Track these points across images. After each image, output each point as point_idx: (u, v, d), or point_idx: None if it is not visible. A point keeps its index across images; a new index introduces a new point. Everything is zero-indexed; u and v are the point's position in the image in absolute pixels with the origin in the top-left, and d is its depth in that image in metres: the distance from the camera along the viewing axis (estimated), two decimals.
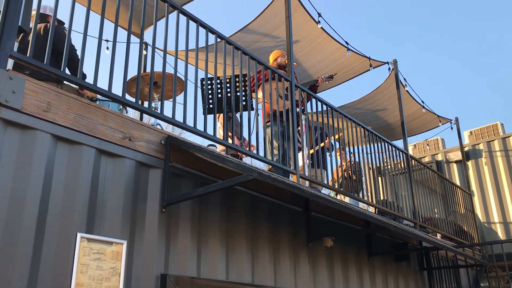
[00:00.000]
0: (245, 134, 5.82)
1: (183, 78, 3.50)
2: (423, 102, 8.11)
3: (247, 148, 4.15)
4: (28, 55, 2.33)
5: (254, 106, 4.05)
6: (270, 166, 4.70)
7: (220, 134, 5.10)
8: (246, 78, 4.17)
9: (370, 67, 7.02)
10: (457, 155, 9.42)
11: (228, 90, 3.97)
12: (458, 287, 6.68)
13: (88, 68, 4.29)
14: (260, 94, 4.81)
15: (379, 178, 7.00)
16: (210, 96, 4.32)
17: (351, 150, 4.99)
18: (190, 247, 2.96)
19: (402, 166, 6.04)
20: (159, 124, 4.38)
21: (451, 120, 8.87)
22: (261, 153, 3.79)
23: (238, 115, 5.44)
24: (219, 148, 5.01)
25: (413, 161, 6.32)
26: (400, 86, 6.91)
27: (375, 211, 5.94)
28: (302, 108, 4.97)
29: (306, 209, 4.20)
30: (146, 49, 6.36)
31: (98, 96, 3.93)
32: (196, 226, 3.06)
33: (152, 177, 2.85)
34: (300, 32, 6.25)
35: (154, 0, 3.10)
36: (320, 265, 4.21)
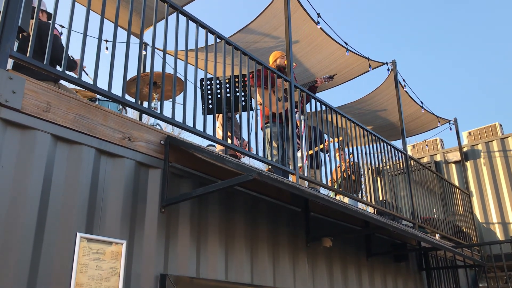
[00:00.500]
0: (244, 135, 5.82)
1: (182, 78, 3.50)
2: (422, 103, 8.12)
3: (246, 149, 4.15)
4: (28, 55, 2.33)
5: (253, 106, 4.05)
6: (269, 167, 4.71)
7: (219, 134, 5.10)
8: (246, 78, 4.18)
9: (369, 67, 7.03)
10: (455, 156, 9.43)
11: (228, 90, 3.98)
12: (456, 287, 6.69)
13: (87, 68, 4.30)
14: (259, 98, 4.81)
15: (378, 178, 7.02)
16: (209, 97, 4.32)
17: (350, 151, 5.00)
18: (190, 247, 2.96)
19: (401, 166, 6.05)
20: (159, 124, 4.39)
21: (450, 120, 8.88)
22: (260, 154, 3.80)
23: (237, 115, 5.45)
24: (218, 148, 5.01)
25: (412, 161, 6.33)
26: (399, 87, 6.93)
27: (374, 212, 5.95)
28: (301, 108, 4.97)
29: (305, 210, 4.21)
30: (145, 49, 6.36)
31: (98, 96, 3.93)
32: (196, 226, 3.06)
33: (151, 177, 2.85)
34: (300, 32, 6.26)
35: (154, 1, 3.11)
36: (319, 265, 4.22)
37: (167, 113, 3.02)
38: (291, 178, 4.53)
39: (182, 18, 3.30)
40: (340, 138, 4.77)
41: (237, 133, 5.36)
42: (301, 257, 4.01)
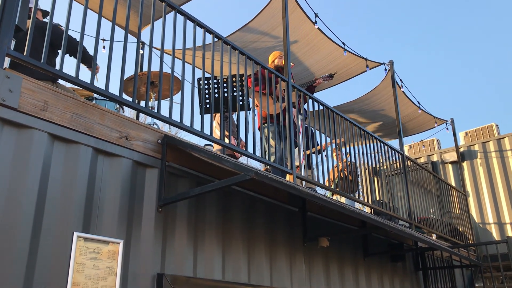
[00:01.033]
0: (242, 135, 5.82)
1: (180, 77, 3.50)
2: (419, 103, 8.14)
3: (243, 149, 4.15)
4: (25, 53, 2.33)
5: (251, 106, 4.05)
6: (267, 166, 4.71)
7: (216, 133, 5.10)
8: (243, 78, 4.18)
9: (366, 67, 7.05)
10: (452, 156, 9.46)
11: (225, 90, 3.98)
12: (453, 287, 6.71)
13: (85, 68, 4.29)
14: (256, 100, 4.81)
15: (375, 178, 7.03)
16: (207, 96, 4.32)
17: (347, 151, 5.01)
18: (187, 246, 2.96)
19: (398, 166, 6.07)
20: (156, 124, 4.38)
21: (447, 121, 8.91)
22: (258, 153, 3.80)
23: (234, 115, 5.45)
24: (215, 148, 5.01)
25: (408, 161, 6.34)
26: (396, 87, 6.94)
27: (371, 212, 5.96)
28: (299, 108, 4.97)
29: (302, 209, 4.21)
30: (143, 48, 6.35)
31: (95, 95, 3.93)
32: (193, 226, 3.06)
33: (148, 177, 2.85)
34: (298, 32, 6.27)
35: (152, 0, 3.10)
36: (316, 265, 4.22)
37: (165, 112, 3.02)
38: (288, 178, 4.53)
39: (180, 17, 3.30)
40: (338, 141, 4.77)
41: (234, 132, 5.36)
42: (298, 257, 4.01)
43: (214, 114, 5.08)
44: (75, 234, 2.32)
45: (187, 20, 3.34)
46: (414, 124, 8.87)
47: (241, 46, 6.21)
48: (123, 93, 2.87)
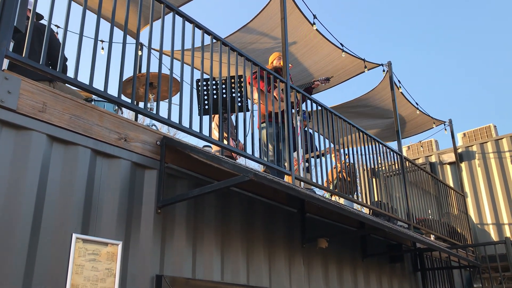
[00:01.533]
0: (240, 137, 5.82)
1: (178, 79, 3.50)
2: (417, 104, 8.16)
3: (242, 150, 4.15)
4: (23, 55, 2.32)
5: (250, 107, 4.06)
6: (265, 167, 4.71)
7: (214, 135, 5.10)
8: (242, 79, 4.18)
9: (364, 68, 7.06)
10: (450, 157, 9.48)
11: (224, 91, 3.98)
12: None
13: (83, 68, 4.29)
14: (255, 95, 4.82)
15: (373, 179, 7.03)
16: (205, 97, 4.32)
17: (346, 152, 5.01)
18: (186, 248, 2.96)
19: (396, 167, 6.07)
20: (155, 125, 4.38)
21: (445, 122, 8.93)
22: (256, 154, 3.80)
23: (233, 117, 5.45)
24: (214, 149, 5.01)
25: (407, 162, 6.35)
26: (394, 88, 6.95)
27: (370, 213, 5.96)
28: (297, 109, 4.98)
29: (301, 210, 4.21)
30: (141, 49, 6.35)
31: (94, 96, 3.92)
32: (192, 227, 3.06)
33: (147, 178, 2.85)
34: (297, 33, 6.28)
35: (150, 1, 3.10)
36: (315, 266, 4.23)
37: (163, 113, 3.02)
38: (287, 179, 4.53)
39: (179, 19, 3.30)
40: (337, 147, 4.77)
41: (233, 134, 5.36)
42: (297, 258, 4.01)
43: (212, 116, 5.09)
44: (74, 235, 2.31)
45: (186, 22, 3.34)
46: (413, 125, 8.89)
47: (240, 47, 6.22)
48: (122, 95, 2.87)
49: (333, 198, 5.99)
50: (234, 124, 5.58)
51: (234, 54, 3.78)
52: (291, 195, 3.71)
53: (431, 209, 6.98)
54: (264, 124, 5.14)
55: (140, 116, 6.21)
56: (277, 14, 5.60)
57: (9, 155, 2.18)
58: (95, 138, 2.59)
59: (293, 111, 4.90)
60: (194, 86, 3.69)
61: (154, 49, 5.68)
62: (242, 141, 3.84)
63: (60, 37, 4.40)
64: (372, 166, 5.50)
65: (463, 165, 9.35)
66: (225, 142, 4.66)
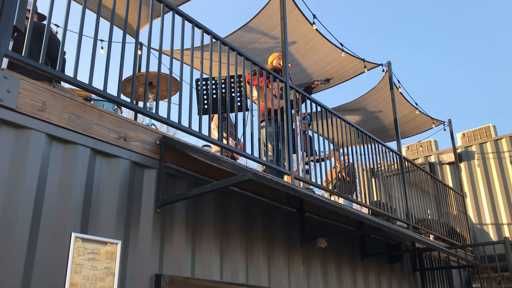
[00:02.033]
0: (240, 136, 5.83)
1: (178, 78, 3.50)
2: (416, 104, 8.16)
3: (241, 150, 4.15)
4: (23, 54, 2.32)
5: (249, 107, 4.06)
6: (264, 167, 4.71)
7: (214, 134, 5.10)
8: (241, 79, 4.18)
9: (364, 68, 7.06)
10: (450, 157, 9.48)
11: (223, 90, 3.98)
12: None
13: (83, 67, 4.30)
14: (255, 93, 4.82)
15: (373, 179, 7.04)
16: (205, 97, 4.32)
17: (345, 152, 5.02)
18: (185, 247, 2.96)
19: (396, 167, 6.08)
20: (154, 124, 4.38)
21: (444, 122, 8.93)
22: (255, 154, 3.80)
23: (232, 116, 5.46)
24: (213, 149, 5.01)
25: (406, 162, 6.36)
26: (393, 88, 6.96)
27: (369, 213, 5.97)
28: (297, 109, 4.98)
29: (300, 210, 4.21)
30: (141, 49, 6.35)
31: (93, 95, 3.92)
32: (191, 227, 3.06)
33: (146, 177, 2.85)
34: (296, 33, 6.28)
35: (150, 0, 3.10)
36: (314, 265, 4.23)
37: (163, 113, 3.02)
38: (286, 179, 4.54)
39: (178, 18, 3.30)
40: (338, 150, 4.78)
41: (232, 134, 5.36)
42: (296, 257, 4.01)
43: (212, 115, 5.09)
44: (73, 234, 2.31)
45: (185, 21, 3.34)
46: (412, 125, 8.89)
47: (240, 47, 6.22)
48: (121, 94, 2.87)
49: (333, 198, 5.99)
50: (234, 123, 5.58)
51: (234, 54, 3.78)
52: (290, 195, 3.72)
53: (430, 209, 6.98)
54: (263, 123, 5.14)
55: (139, 115, 6.22)
56: (277, 13, 5.60)
57: (8, 154, 2.18)
58: (95, 137, 2.59)
59: (293, 111, 4.91)
60: (194, 85, 3.69)
61: (153, 49, 5.68)
62: (241, 140, 3.85)
63: (59, 36, 4.40)
64: (372, 166, 5.50)
65: (462, 165, 9.36)
66: (225, 141, 4.66)
